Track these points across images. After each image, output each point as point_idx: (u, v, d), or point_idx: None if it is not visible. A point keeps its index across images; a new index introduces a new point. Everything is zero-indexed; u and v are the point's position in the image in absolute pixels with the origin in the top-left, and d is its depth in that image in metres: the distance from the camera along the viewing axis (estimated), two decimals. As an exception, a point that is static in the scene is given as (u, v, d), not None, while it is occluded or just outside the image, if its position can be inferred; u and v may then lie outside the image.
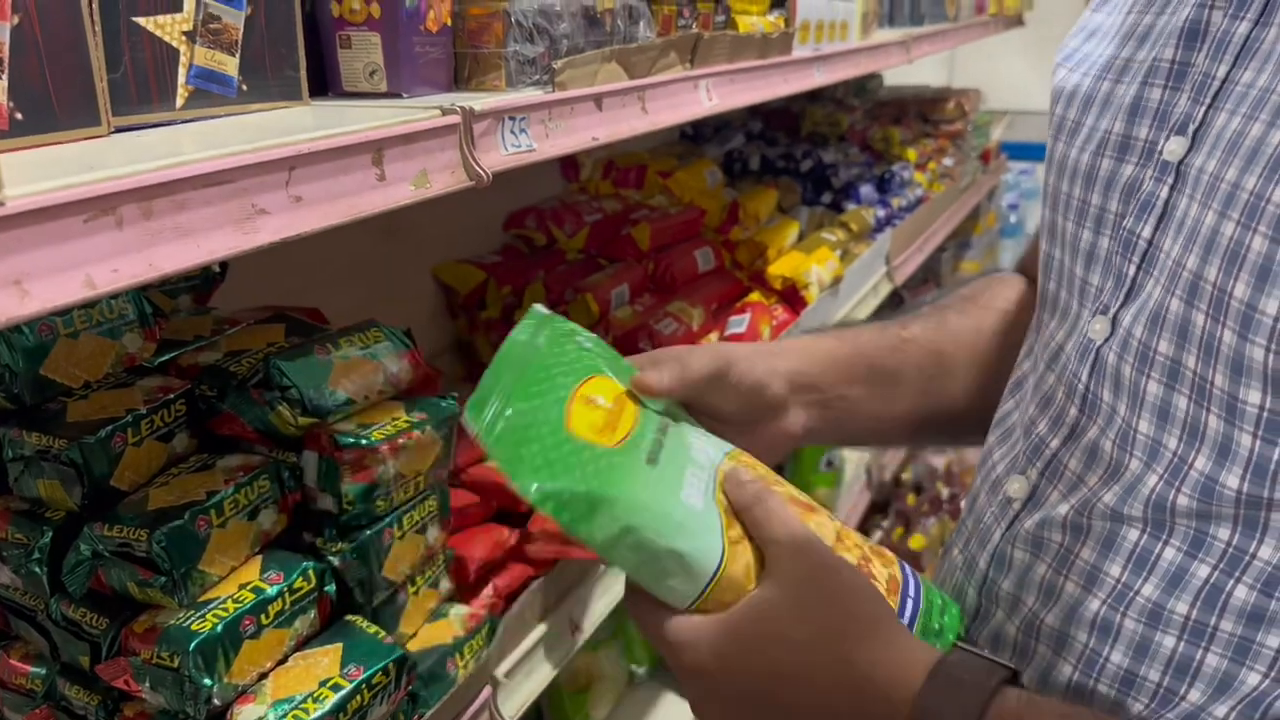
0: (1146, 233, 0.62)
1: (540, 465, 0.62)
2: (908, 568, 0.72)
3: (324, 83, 0.81)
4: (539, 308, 0.72)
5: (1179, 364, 0.59)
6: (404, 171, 0.67)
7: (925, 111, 3.01)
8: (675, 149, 2.32)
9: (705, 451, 0.70)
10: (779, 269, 1.81)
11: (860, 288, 2.09)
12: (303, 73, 0.75)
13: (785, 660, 0.61)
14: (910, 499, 2.85)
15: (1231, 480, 0.57)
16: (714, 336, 1.60)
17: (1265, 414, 0.55)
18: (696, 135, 2.53)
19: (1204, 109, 0.60)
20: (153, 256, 0.51)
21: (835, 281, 1.88)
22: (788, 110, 2.71)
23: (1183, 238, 0.59)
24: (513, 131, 0.79)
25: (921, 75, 3.70)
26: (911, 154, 2.71)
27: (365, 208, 0.63)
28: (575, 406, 0.66)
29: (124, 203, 0.49)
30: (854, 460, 2.35)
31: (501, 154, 0.78)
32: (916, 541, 2.70)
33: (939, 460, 3.05)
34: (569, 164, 1.97)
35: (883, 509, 2.82)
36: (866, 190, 2.41)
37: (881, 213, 2.38)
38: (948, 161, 2.92)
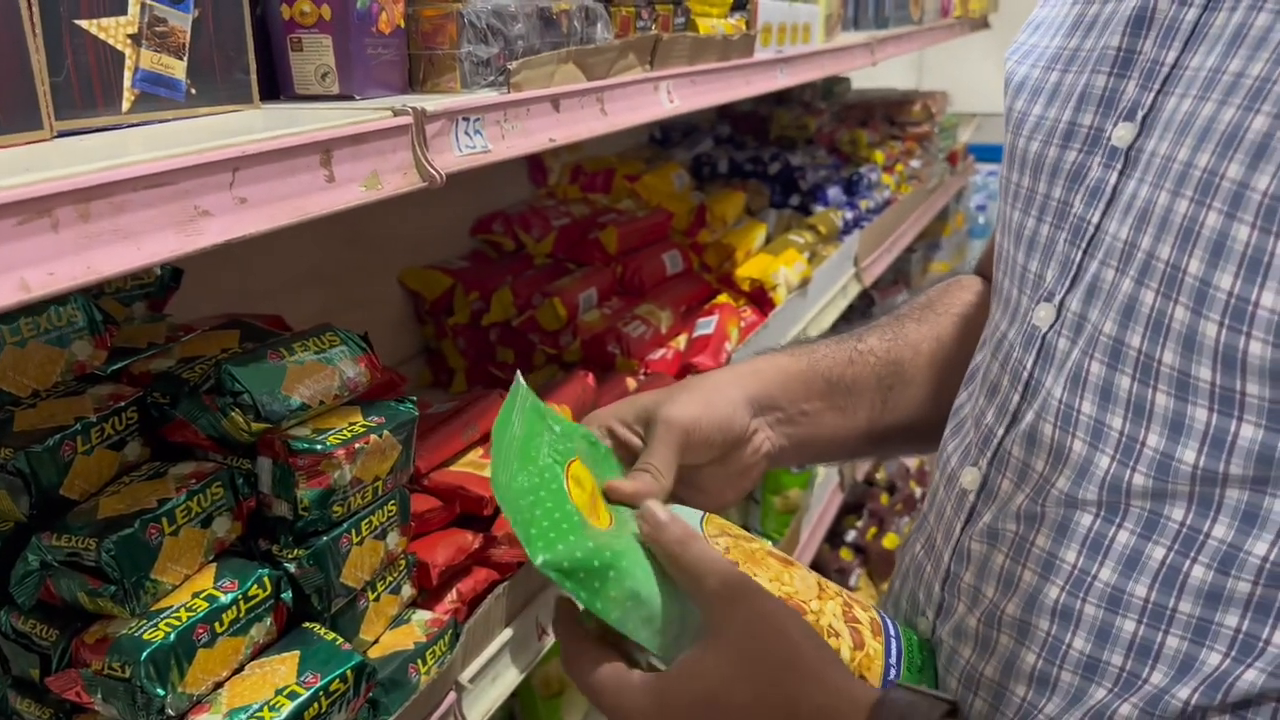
0: (1095, 218, 0.63)
1: (554, 538, 0.64)
2: (881, 611, 0.74)
3: (275, 86, 0.80)
4: (520, 382, 0.75)
5: (1122, 343, 0.59)
6: (354, 172, 0.67)
7: (892, 114, 3.03)
8: (643, 153, 2.32)
9: (684, 513, 0.73)
10: (747, 271, 1.81)
11: (829, 289, 2.10)
12: (253, 75, 0.75)
13: (729, 716, 0.62)
14: (883, 499, 2.86)
15: (1188, 455, 0.57)
16: (683, 339, 1.60)
17: (1217, 389, 0.55)
18: (665, 139, 2.53)
19: (1153, 95, 0.61)
20: (91, 259, 0.50)
21: (803, 283, 1.89)
22: (756, 114, 2.72)
23: (1133, 219, 0.60)
24: (467, 133, 0.79)
25: (890, 78, 3.73)
26: (879, 156, 2.73)
27: (313, 209, 0.63)
28: (569, 485, 0.69)
29: (59, 205, 0.48)
30: (826, 461, 2.35)
31: (456, 155, 0.77)
32: (890, 541, 2.71)
33: (911, 460, 3.06)
34: (536, 169, 1.97)
35: (856, 509, 2.83)
36: (834, 192, 2.42)
37: (849, 214, 2.40)
38: (915, 163, 2.94)
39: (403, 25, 0.84)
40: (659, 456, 0.74)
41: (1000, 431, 0.68)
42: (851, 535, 2.71)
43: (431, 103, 0.76)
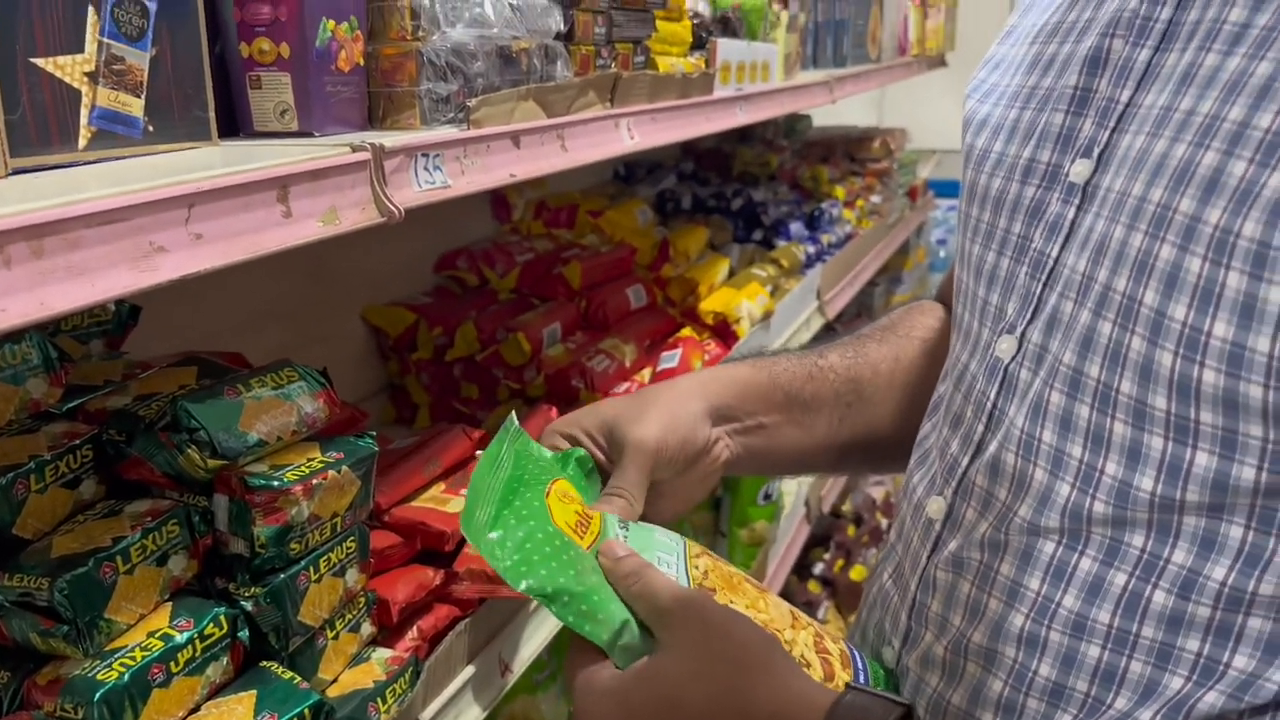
0: (1054, 252, 0.64)
1: (537, 563, 0.65)
2: (849, 644, 0.76)
3: (235, 123, 0.81)
4: (513, 420, 0.75)
5: (1081, 373, 0.61)
6: (312, 208, 0.67)
7: (852, 151, 3.08)
8: (607, 189, 2.34)
9: (666, 536, 0.74)
10: (710, 305, 1.83)
11: (792, 322, 2.12)
12: (211, 113, 0.75)
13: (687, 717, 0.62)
14: (850, 530, 2.87)
15: (1146, 483, 0.58)
16: (647, 372, 1.61)
17: (1173, 418, 0.56)
18: (628, 176, 2.56)
19: (1109, 132, 0.62)
20: (44, 295, 0.50)
21: (766, 316, 1.91)
22: (719, 151, 2.76)
23: (1090, 252, 0.61)
24: (426, 168, 0.79)
25: (851, 116, 3.79)
26: (840, 192, 2.77)
27: (269, 244, 0.63)
28: (553, 502, 0.70)
29: (12, 242, 0.48)
30: (792, 493, 2.36)
31: (415, 190, 0.78)
32: (857, 573, 2.72)
33: (878, 491, 3.08)
34: (500, 205, 1.98)
35: (823, 541, 2.83)
36: (796, 227, 2.45)
37: (811, 249, 2.43)
38: (875, 199, 2.99)
39: (362, 63, 0.84)
40: (630, 480, 0.75)
41: (965, 461, 0.70)
42: (819, 568, 2.71)
43: (390, 139, 0.76)
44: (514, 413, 0.76)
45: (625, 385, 1.55)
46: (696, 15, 1.52)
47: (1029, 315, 0.65)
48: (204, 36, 0.74)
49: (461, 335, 1.55)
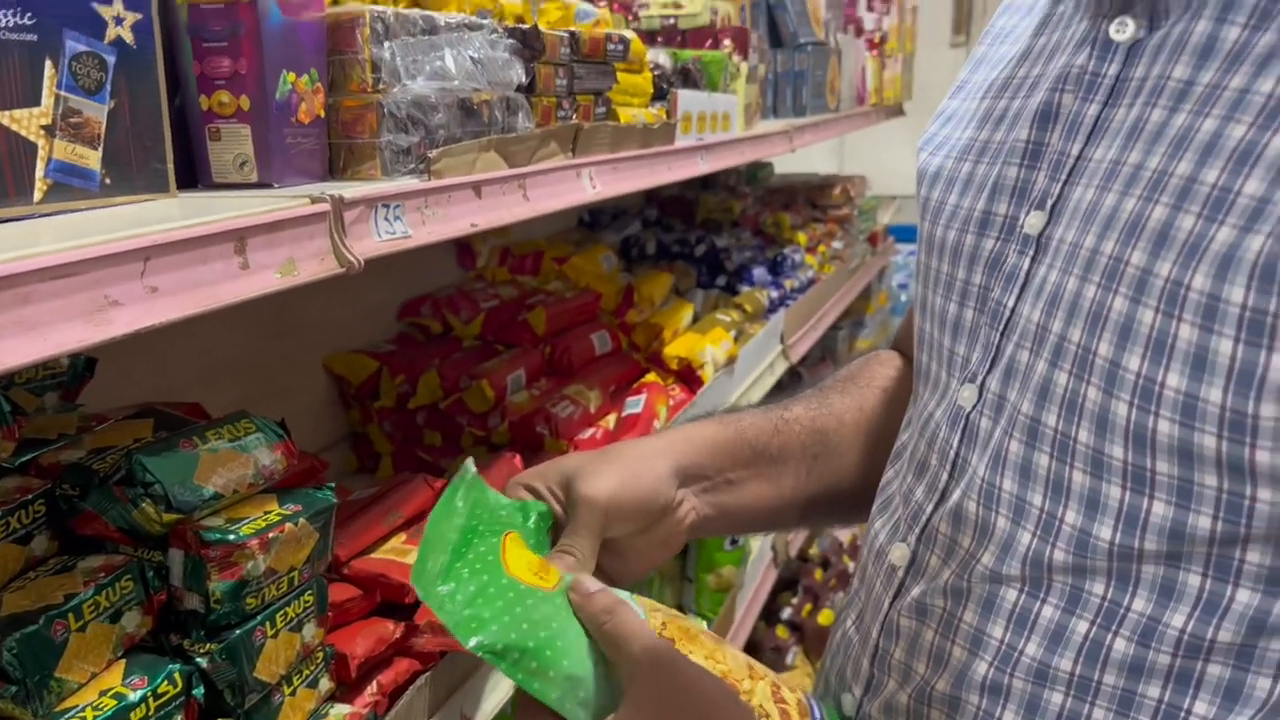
0: (1011, 302, 0.65)
1: (488, 619, 0.64)
2: (807, 694, 0.75)
3: (194, 174, 0.81)
4: (470, 467, 0.73)
5: (1039, 423, 0.62)
6: (269, 259, 0.67)
7: (814, 197, 3.12)
8: (572, 236, 2.35)
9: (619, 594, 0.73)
10: (675, 350, 1.84)
11: (756, 366, 2.13)
12: (169, 165, 0.75)
13: None
14: (818, 574, 2.86)
15: (1104, 532, 0.59)
16: (612, 418, 1.61)
17: (1130, 468, 0.57)
18: (593, 222, 2.57)
19: (1060, 185, 0.63)
20: (-6, 350, 0.49)
21: (730, 361, 1.92)
22: (682, 198, 2.79)
23: (1045, 303, 0.62)
24: (386, 219, 0.80)
25: (812, 163, 3.85)
26: (802, 238, 2.81)
27: (226, 296, 0.63)
28: (509, 552, 0.69)
29: (-38, 296, 0.48)
30: (759, 537, 2.36)
31: (375, 240, 0.78)
32: (825, 617, 2.71)
33: (845, 534, 3.08)
34: (465, 252, 1.98)
35: (791, 585, 2.83)
36: (759, 273, 2.47)
37: (775, 294, 2.45)
38: (837, 244, 3.03)
39: (322, 115, 0.85)
40: (579, 538, 0.74)
41: (929, 508, 0.70)
42: (787, 612, 2.70)
43: (350, 190, 0.77)
44: (470, 459, 0.76)
45: (590, 431, 1.55)
46: (658, 67, 1.55)
47: (988, 364, 0.66)
48: (163, 89, 0.74)
49: (425, 383, 1.55)
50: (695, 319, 2.07)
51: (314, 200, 0.72)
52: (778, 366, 2.30)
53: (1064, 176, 0.63)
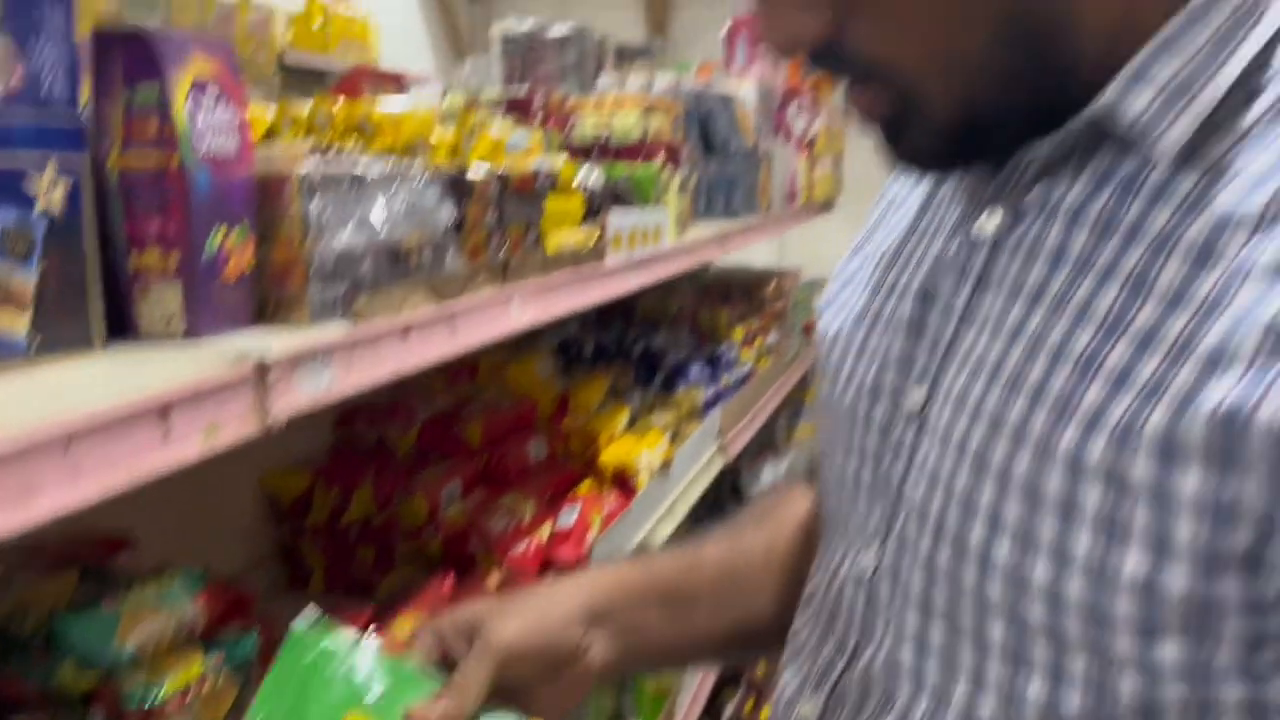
0: (900, 472, 0.67)
1: None
2: None
3: (122, 327, 0.82)
4: (301, 624, 0.70)
5: (928, 597, 0.64)
6: (192, 426, 0.69)
7: (750, 292, 3.20)
8: (510, 340, 2.38)
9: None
10: (610, 456, 1.86)
11: (692, 467, 2.16)
12: (97, 323, 0.77)
13: None
14: (760, 669, 2.86)
15: (986, 708, 0.61)
16: (546, 529, 1.62)
17: (1009, 647, 0.60)
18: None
19: (937, 364, 0.66)
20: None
21: (665, 465, 1.95)
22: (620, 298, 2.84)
23: (926, 481, 0.64)
24: (312, 372, 0.82)
25: (751, 253, 3.94)
26: (738, 333, 2.87)
27: (149, 469, 0.64)
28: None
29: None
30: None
31: (300, 395, 0.80)
32: (767, 713, 2.71)
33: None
34: (402, 359, 2.00)
35: (733, 680, 2.82)
36: (696, 370, 2.52)
37: (711, 391, 2.49)
38: (772, 338, 3.10)
39: (250, 267, 0.87)
40: (468, 675, 0.74)
41: (840, 666, 0.71)
42: (729, 710, 2.69)
43: (275, 343, 0.79)
44: (307, 613, 0.71)
45: (524, 543, 1.56)
46: (589, 187, 1.60)
47: (884, 531, 0.68)
48: (93, 250, 0.77)
49: (358, 498, 1.55)
50: (632, 421, 2.10)
51: (236, 361, 0.75)
52: (714, 464, 2.33)
53: (940, 356, 0.65)
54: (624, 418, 2.06)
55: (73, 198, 0.75)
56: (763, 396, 2.83)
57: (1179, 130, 0.53)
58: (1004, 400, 0.59)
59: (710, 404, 2.45)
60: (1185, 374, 0.51)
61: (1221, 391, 0.49)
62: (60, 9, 0.73)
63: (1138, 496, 0.52)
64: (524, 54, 3.23)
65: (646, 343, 2.51)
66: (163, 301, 0.81)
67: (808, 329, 3.59)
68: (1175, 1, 0.54)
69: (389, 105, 1.41)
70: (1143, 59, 0.54)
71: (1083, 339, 0.55)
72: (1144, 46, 0.54)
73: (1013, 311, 0.60)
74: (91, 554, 0.89)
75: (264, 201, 0.88)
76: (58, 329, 0.74)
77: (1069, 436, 0.54)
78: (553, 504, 1.71)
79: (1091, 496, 0.53)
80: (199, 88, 0.82)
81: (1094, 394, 0.54)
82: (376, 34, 4.96)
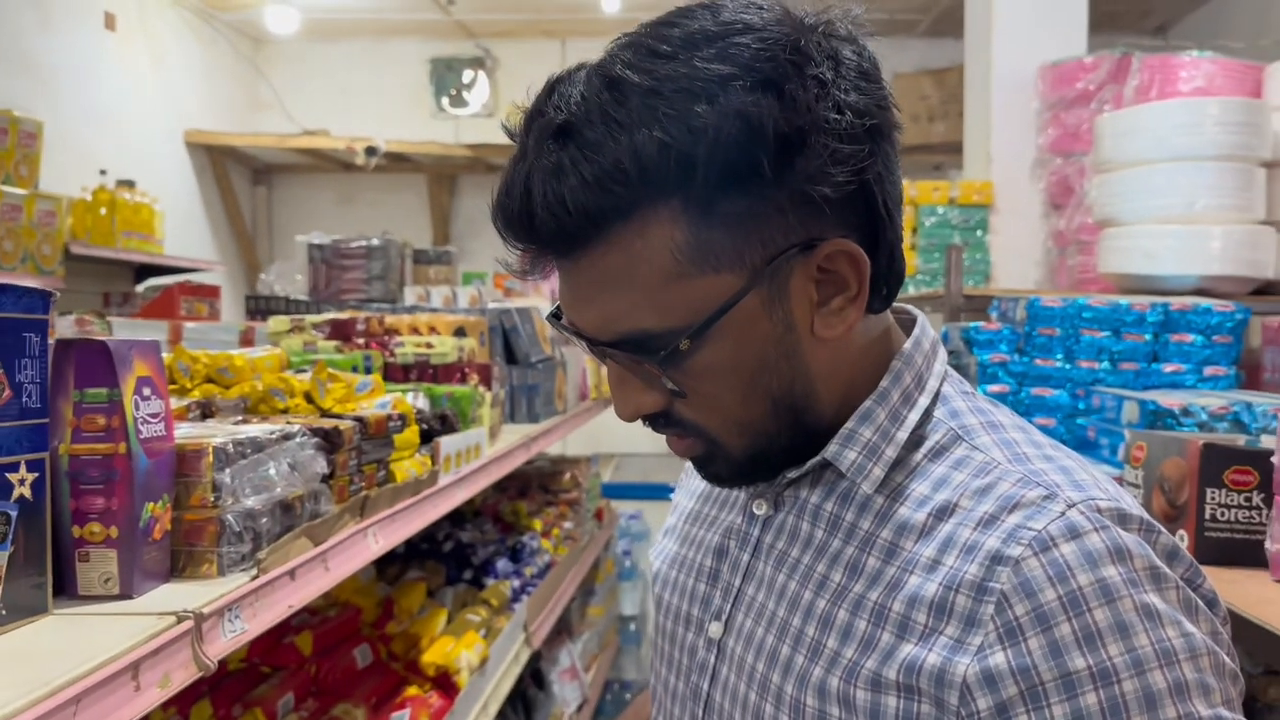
0: (705, 687, 0.89)
1: None
2: None
3: (60, 587, 0.96)
4: None
5: None
6: (153, 678, 0.84)
7: (546, 484, 3.44)
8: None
9: None
10: (431, 657, 2.01)
11: (503, 661, 2.32)
12: (49, 589, 0.91)
13: None
14: None
15: None
16: (376, 732, 1.74)
17: None
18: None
19: (729, 606, 0.88)
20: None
21: (483, 662, 2.10)
22: (426, 492, 3.00)
23: (728, 697, 0.86)
24: (230, 620, 0.98)
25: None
26: (537, 523, 3.08)
27: (127, 717, 0.79)
28: None
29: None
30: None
31: (223, 641, 0.96)
32: None
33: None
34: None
35: None
36: (503, 564, 2.70)
37: (516, 583, 2.68)
38: (568, 524, 3.33)
39: (170, 528, 1.03)
40: None
41: None
42: None
43: (200, 599, 0.95)
44: None
45: (358, 749, 1.67)
46: (420, 412, 1.81)
47: None
48: (49, 527, 0.91)
49: (196, 713, 1.62)
50: (449, 619, 2.25)
51: (180, 619, 0.90)
52: (521, 655, 2.50)
53: (731, 600, 0.89)
54: (442, 619, 2.21)
55: (38, 485, 0.90)
56: (562, 583, 3.03)
57: (875, 473, 0.82)
58: (775, 641, 0.83)
59: (517, 595, 2.63)
60: (886, 635, 0.76)
61: (908, 648, 0.74)
62: (38, 332, 0.90)
63: (860, 713, 0.76)
64: (329, 260, 3.42)
65: (456, 538, 2.67)
66: (102, 565, 0.96)
67: (599, 514, 3.85)
68: (874, 384, 0.85)
69: (243, 352, 1.59)
70: (849, 427, 0.83)
71: (820, 604, 0.81)
72: (851, 418, 0.83)
73: (778, 577, 0.86)
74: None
75: (181, 470, 1.05)
76: (21, 597, 0.87)
77: (816, 673, 0.80)
78: (380, 708, 1.83)
79: (834, 713, 0.78)
80: (140, 387, 0.99)
81: (831, 643, 0.80)
82: (161, 220, 4.99)
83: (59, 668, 0.76)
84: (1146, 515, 0.75)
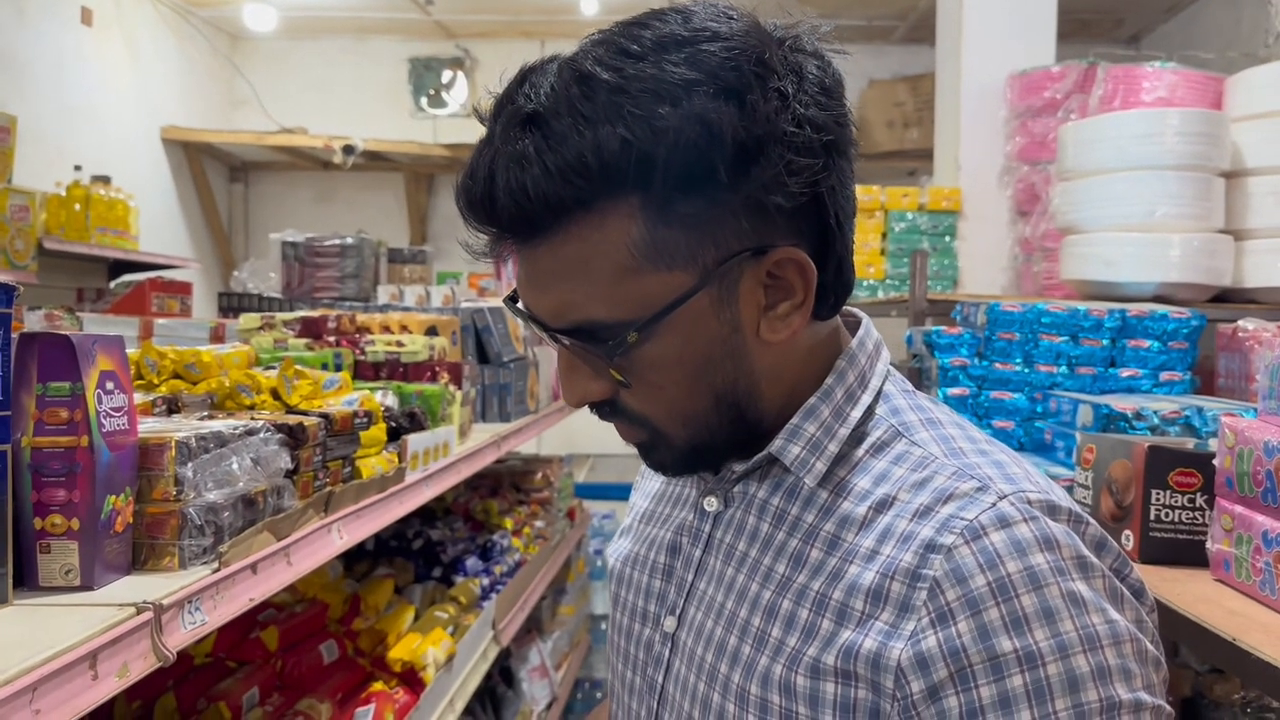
0: (660, 680, 0.92)
1: None
2: None
3: (20, 578, 0.97)
4: None
5: None
6: (111, 668, 0.86)
7: (518, 482, 3.45)
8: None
9: None
10: (398, 653, 2.02)
11: (470, 658, 2.34)
12: (9, 579, 0.92)
13: None
14: None
15: None
16: (342, 726, 1.76)
17: None
18: (313, 519, 2.73)
19: (683, 601, 0.91)
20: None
21: (450, 659, 2.12)
22: (398, 490, 3.01)
23: (679, 688, 0.89)
24: (190, 612, 1.00)
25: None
26: (508, 522, 3.10)
27: (83, 708, 0.81)
28: None
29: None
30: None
31: (183, 633, 0.98)
32: None
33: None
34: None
35: None
36: (472, 562, 2.72)
37: (486, 581, 2.70)
38: (540, 524, 3.35)
39: (131, 521, 1.05)
40: None
41: None
42: None
43: (160, 591, 0.97)
44: None
45: (323, 743, 1.69)
46: (388, 410, 1.83)
47: None
48: (10, 518, 0.93)
49: (161, 707, 1.64)
50: (417, 617, 2.26)
51: (139, 610, 0.92)
52: (490, 652, 2.52)
53: (684, 594, 0.92)
54: (409, 616, 2.22)
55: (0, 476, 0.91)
56: (532, 582, 3.05)
57: (819, 467, 0.84)
58: (725, 633, 0.86)
59: (486, 593, 2.65)
60: (826, 623, 0.79)
61: (846, 634, 0.77)
62: (1, 326, 0.92)
63: (800, 700, 0.79)
64: (303, 258, 3.42)
65: (426, 536, 2.69)
66: (63, 557, 0.97)
67: (571, 514, 3.87)
68: (819, 382, 0.88)
69: (211, 349, 1.60)
70: (794, 423, 0.86)
71: (766, 595, 0.84)
72: (796, 414, 0.86)
73: (728, 571, 0.89)
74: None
75: (144, 463, 1.06)
76: (-20, 590, 0.89)
77: (762, 663, 0.83)
78: (346, 703, 1.85)
79: (775, 700, 0.81)
80: (103, 381, 1.01)
81: (776, 633, 0.83)
82: (136, 217, 4.97)
83: (16, 656, 0.78)
84: (1076, 507, 0.79)
